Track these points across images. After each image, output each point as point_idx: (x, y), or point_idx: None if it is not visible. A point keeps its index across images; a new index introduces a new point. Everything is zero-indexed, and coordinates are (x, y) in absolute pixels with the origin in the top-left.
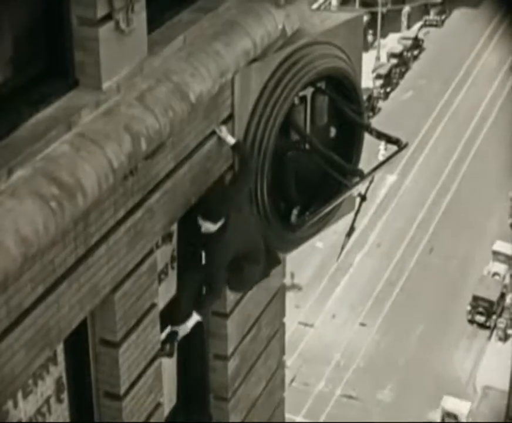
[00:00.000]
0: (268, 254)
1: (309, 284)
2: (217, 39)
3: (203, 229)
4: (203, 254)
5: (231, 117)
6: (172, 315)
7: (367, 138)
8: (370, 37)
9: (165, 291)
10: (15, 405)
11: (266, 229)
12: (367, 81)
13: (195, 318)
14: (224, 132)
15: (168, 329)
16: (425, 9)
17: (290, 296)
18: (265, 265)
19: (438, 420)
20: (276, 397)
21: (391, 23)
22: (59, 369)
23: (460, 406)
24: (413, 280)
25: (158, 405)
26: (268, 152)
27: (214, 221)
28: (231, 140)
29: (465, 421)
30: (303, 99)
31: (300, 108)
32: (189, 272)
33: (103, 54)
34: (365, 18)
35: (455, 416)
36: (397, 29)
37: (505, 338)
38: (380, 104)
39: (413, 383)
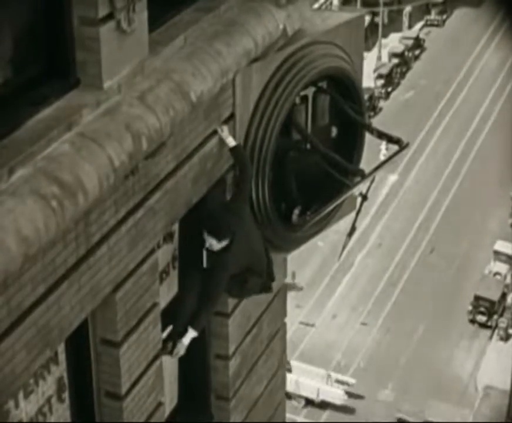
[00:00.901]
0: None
1: (310, 284)
2: (218, 39)
3: (207, 244)
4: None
5: (232, 116)
6: (174, 315)
7: (368, 138)
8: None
9: (167, 291)
10: (16, 405)
11: (267, 229)
12: (369, 81)
13: (191, 333)
14: (225, 132)
15: (169, 329)
16: (426, 9)
17: (291, 296)
18: (266, 278)
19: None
20: (277, 397)
21: (392, 22)
22: (60, 369)
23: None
24: (414, 280)
25: (159, 405)
26: (269, 152)
27: (219, 239)
28: (231, 142)
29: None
30: (304, 99)
31: (302, 108)
32: (192, 273)
33: (104, 54)
34: (366, 18)
35: None
36: (399, 29)
37: (506, 338)
38: (381, 103)
39: (414, 383)
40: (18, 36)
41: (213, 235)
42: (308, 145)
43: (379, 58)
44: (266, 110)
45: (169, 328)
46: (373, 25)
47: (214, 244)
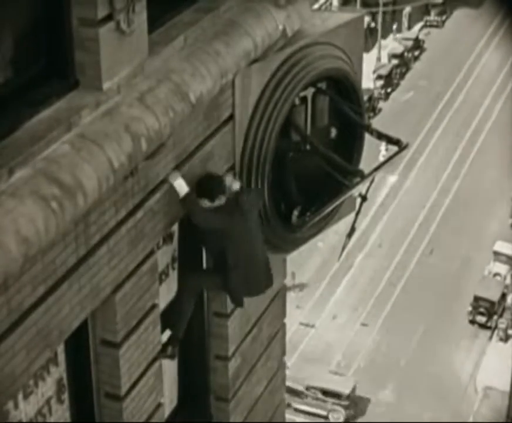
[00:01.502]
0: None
1: (310, 285)
2: (218, 39)
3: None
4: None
5: (231, 117)
6: (172, 316)
7: (368, 138)
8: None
9: (166, 292)
10: (16, 406)
11: (266, 230)
12: (368, 81)
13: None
14: (177, 180)
15: (168, 331)
16: (426, 10)
17: (291, 297)
18: (265, 281)
19: None
20: (277, 397)
21: (391, 23)
22: (59, 370)
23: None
24: (414, 281)
25: (159, 406)
26: (269, 153)
27: (211, 199)
28: (182, 190)
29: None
30: (303, 100)
31: (301, 109)
32: (191, 274)
33: (104, 55)
34: (366, 19)
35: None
36: (398, 30)
37: (506, 339)
38: (381, 104)
39: (413, 384)
40: (18, 36)
41: (203, 196)
42: (308, 146)
43: (379, 59)
44: (266, 111)
45: (168, 332)
46: (371, 26)
47: (207, 203)
